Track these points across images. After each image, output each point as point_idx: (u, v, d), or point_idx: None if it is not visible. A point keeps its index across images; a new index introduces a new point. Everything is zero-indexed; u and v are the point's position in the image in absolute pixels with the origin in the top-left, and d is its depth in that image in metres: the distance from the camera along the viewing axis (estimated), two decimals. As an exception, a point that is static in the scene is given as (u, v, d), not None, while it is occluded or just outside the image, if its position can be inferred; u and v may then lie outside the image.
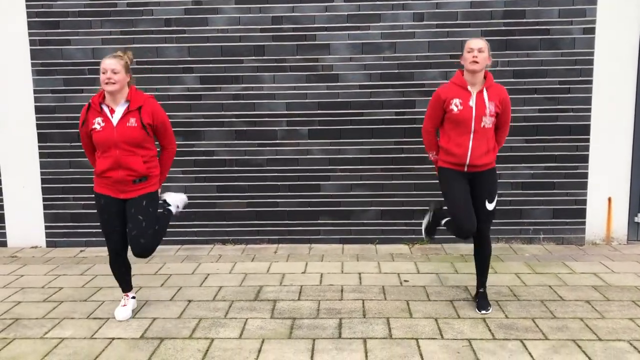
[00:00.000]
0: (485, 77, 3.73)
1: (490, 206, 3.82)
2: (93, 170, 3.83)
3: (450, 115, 3.71)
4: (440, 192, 4.00)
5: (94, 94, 5.39)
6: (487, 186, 3.80)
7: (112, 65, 3.59)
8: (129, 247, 3.81)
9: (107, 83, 3.59)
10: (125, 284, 4.02)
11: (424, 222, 4.21)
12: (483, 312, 3.90)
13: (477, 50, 3.61)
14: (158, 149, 3.91)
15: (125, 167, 3.66)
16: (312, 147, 5.63)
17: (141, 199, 3.76)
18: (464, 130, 3.69)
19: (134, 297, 4.08)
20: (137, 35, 5.52)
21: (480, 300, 3.97)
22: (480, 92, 3.69)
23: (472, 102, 3.66)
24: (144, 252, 3.79)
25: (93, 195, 3.86)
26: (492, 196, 3.82)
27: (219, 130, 5.63)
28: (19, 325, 3.85)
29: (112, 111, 3.66)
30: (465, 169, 3.76)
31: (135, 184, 3.73)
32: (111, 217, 3.78)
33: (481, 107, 3.66)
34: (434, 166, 5.54)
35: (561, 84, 5.44)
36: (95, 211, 5.60)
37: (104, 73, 3.59)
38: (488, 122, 3.70)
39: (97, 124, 3.64)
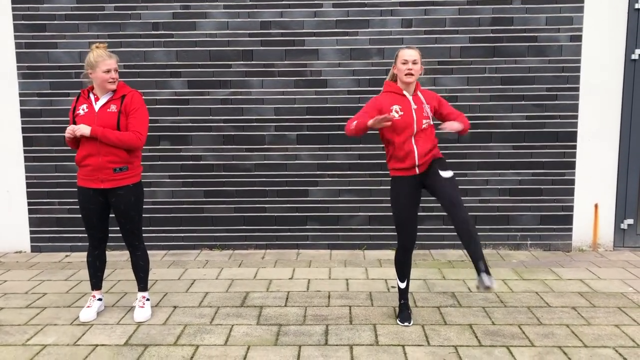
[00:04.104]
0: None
1: (445, 174, 3.59)
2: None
3: (393, 123, 3.60)
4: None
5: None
6: (438, 165, 3.64)
7: (115, 65, 3.77)
8: (124, 237, 3.95)
9: (111, 82, 3.76)
10: (97, 280, 4.06)
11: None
12: (487, 282, 3.40)
13: (412, 62, 3.59)
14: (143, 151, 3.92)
15: (105, 153, 3.72)
16: (301, 152, 5.61)
17: (130, 194, 3.83)
18: (408, 135, 3.65)
19: (100, 299, 4.09)
20: (124, 38, 5.49)
21: (483, 277, 3.43)
22: (415, 95, 3.70)
23: (412, 106, 3.65)
24: (136, 240, 3.97)
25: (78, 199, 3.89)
26: (443, 166, 3.63)
27: (206, 135, 5.60)
28: (1, 331, 3.79)
29: (96, 99, 3.81)
30: (417, 171, 3.69)
31: (116, 173, 3.77)
32: (90, 214, 3.88)
33: (420, 110, 3.66)
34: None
35: (548, 91, 5.47)
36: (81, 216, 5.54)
37: (107, 72, 3.72)
38: (426, 123, 3.68)
39: (82, 109, 3.80)
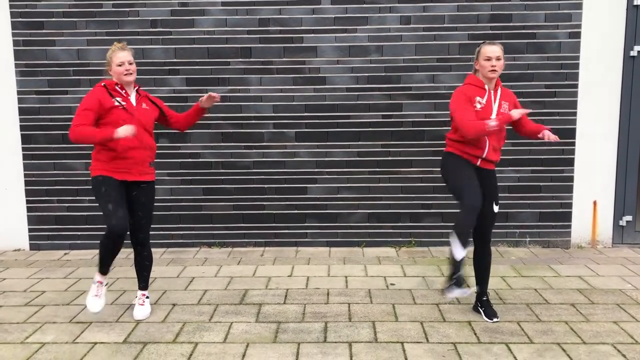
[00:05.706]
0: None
1: (496, 209, 3.82)
2: (92, 161, 3.78)
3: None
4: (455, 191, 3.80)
5: (80, 95, 5.36)
6: (494, 188, 3.80)
7: (128, 57, 3.75)
8: (136, 232, 3.91)
9: (127, 74, 3.74)
10: (110, 265, 3.87)
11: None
12: (495, 320, 3.82)
13: (495, 58, 3.64)
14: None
15: (146, 146, 3.80)
16: (299, 149, 5.61)
17: (152, 188, 3.93)
18: None
19: (106, 284, 4.00)
20: (122, 36, 5.47)
21: (488, 309, 3.89)
22: (496, 91, 3.75)
23: (493, 100, 3.71)
24: (147, 237, 3.98)
25: (90, 186, 3.91)
26: (498, 199, 3.83)
27: (205, 132, 5.59)
28: None
29: (127, 93, 3.80)
30: (479, 163, 3.74)
31: (150, 167, 3.89)
32: (120, 200, 3.68)
33: (500, 105, 3.73)
34: (420, 169, 5.57)
35: (547, 88, 5.47)
36: (81, 213, 5.52)
37: (120, 65, 3.71)
38: None
39: (119, 102, 3.74)
